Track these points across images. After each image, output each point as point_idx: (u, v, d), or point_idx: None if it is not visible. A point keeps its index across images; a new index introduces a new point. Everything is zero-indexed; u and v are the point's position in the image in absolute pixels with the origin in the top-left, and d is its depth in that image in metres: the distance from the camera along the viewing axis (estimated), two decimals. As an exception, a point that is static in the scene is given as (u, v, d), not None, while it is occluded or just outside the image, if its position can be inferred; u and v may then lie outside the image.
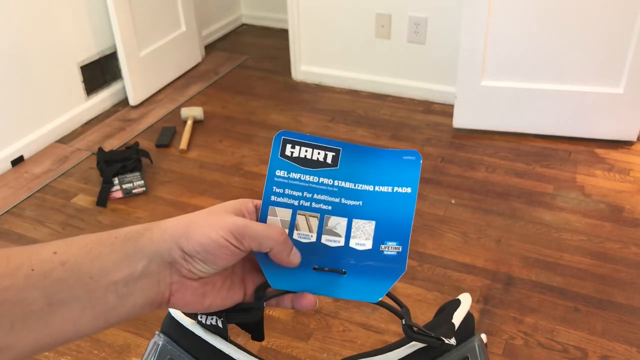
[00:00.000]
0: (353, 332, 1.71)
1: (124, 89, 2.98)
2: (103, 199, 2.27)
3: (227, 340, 0.48)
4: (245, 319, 0.47)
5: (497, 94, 2.53)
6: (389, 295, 0.48)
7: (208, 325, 0.48)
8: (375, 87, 3.04)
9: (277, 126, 2.76)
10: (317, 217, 0.47)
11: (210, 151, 2.60)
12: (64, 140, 2.71)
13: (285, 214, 0.47)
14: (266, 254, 0.45)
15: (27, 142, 2.57)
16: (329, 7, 2.95)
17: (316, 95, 3.06)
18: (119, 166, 2.38)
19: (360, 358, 0.51)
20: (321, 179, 0.48)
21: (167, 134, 2.70)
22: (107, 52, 2.89)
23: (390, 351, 0.50)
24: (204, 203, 2.26)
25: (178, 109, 2.92)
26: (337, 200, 0.47)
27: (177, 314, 0.49)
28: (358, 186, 0.48)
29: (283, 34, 3.62)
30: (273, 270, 0.45)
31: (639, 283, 1.84)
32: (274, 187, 0.47)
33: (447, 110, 2.83)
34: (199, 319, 0.48)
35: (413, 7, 2.78)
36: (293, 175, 0.47)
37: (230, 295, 0.46)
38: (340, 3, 2.92)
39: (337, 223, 0.47)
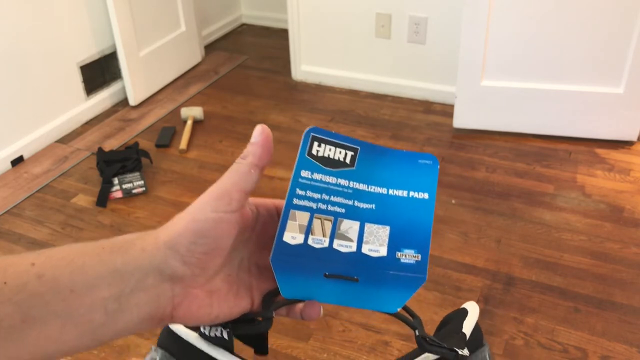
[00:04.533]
0: (353, 332, 1.70)
1: (123, 88, 2.98)
2: (103, 199, 2.27)
3: (232, 354, 0.44)
4: (254, 329, 0.43)
5: (497, 94, 2.53)
6: (406, 308, 0.46)
7: (212, 337, 0.44)
8: (375, 87, 3.04)
9: (277, 126, 2.76)
10: (331, 220, 0.44)
11: (210, 151, 2.60)
12: (63, 140, 2.71)
13: (304, 218, 0.43)
14: (282, 261, 0.42)
15: (27, 142, 2.57)
16: (329, 7, 2.95)
17: (316, 95, 3.06)
18: (119, 166, 2.38)
19: None
20: (339, 180, 0.45)
21: (167, 134, 2.70)
22: (107, 52, 2.88)
23: None
24: (204, 203, 2.26)
25: (178, 109, 2.92)
26: (350, 202, 0.45)
27: (176, 327, 0.45)
28: (371, 188, 0.45)
29: (283, 34, 3.62)
30: (286, 278, 0.42)
31: (639, 283, 1.84)
32: (297, 189, 0.44)
33: (447, 110, 2.83)
34: (202, 330, 0.45)
35: (413, 7, 2.78)
36: (316, 176, 0.45)
37: (238, 304, 0.42)
38: (340, 3, 2.92)
39: (350, 227, 0.44)
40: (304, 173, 0.44)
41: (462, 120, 2.64)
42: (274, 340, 1.68)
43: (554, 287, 1.84)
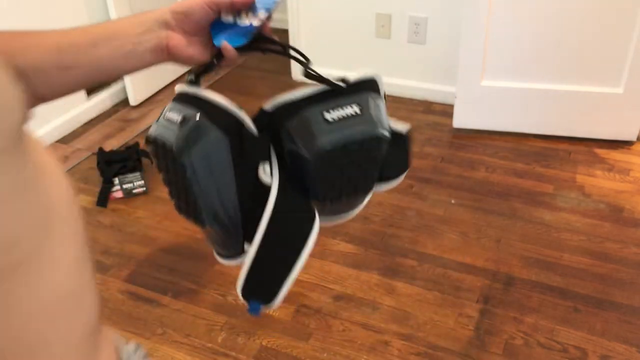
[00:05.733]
0: (353, 332, 1.71)
1: (124, 89, 2.98)
2: (103, 199, 2.27)
3: (197, 88, 0.76)
4: (207, 69, 0.76)
5: (497, 94, 2.54)
6: (298, 51, 0.76)
7: (189, 81, 0.76)
8: (375, 87, 3.03)
9: (277, 126, 2.76)
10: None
11: (210, 151, 2.60)
12: (64, 140, 2.71)
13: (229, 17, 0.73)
14: (217, 28, 0.72)
15: (27, 142, 2.57)
16: (329, 7, 2.95)
17: (316, 95, 3.05)
18: (119, 166, 2.38)
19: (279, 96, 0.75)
20: None
21: (167, 134, 2.69)
22: (107, 52, 2.89)
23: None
24: (204, 203, 2.26)
25: (178, 109, 2.92)
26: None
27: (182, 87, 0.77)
28: None
29: (283, 34, 3.62)
30: (217, 36, 0.73)
31: (639, 283, 1.84)
32: None
33: (447, 110, 2.83)
34: (188, 77, 0.76)
35: (413, 7, 2.78)
36: None
37: (204, 53, 0.73)
38: (340, 3, 2.92)
39: (246, 13, 0.74)
40: None
41: (462, 120, 2.64)
42: (274, 340, 1.69)
43: (553, 287, 1.84)
